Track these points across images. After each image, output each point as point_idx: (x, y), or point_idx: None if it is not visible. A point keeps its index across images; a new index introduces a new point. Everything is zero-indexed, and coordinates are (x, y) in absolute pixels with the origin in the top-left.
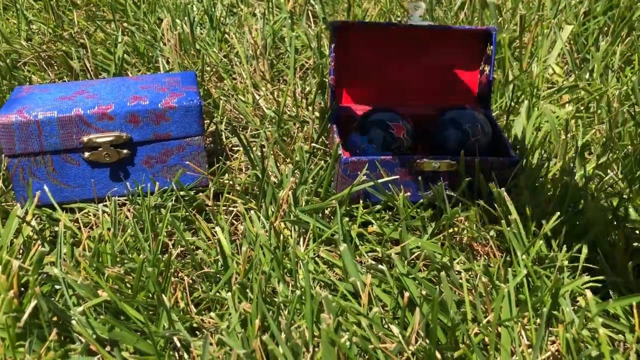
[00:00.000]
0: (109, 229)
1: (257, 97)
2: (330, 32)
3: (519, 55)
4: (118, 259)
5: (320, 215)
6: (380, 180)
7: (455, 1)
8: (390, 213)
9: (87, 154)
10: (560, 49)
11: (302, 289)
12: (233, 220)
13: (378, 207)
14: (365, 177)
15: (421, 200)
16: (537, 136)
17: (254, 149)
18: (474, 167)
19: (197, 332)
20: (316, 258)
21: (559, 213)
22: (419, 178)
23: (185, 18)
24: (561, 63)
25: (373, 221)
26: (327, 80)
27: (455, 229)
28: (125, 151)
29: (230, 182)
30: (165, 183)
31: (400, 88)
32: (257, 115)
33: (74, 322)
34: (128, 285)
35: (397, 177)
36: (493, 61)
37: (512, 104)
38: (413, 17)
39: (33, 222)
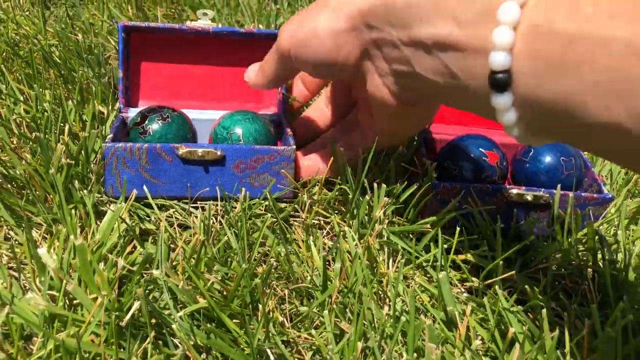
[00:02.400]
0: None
1: None
2: None
3: None
4: (215, 268)
5: (409, 237)
6: (474, 209)
7: None
8: (478, 241)
9: (181, 151)
10: None
11: (402, 314)
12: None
13: (470, 236)
14: (458, 204)
15: (510, 231)
16: (624, 175)
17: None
18: (566, 202)
19: (288, 347)
20: (409, 281)
21: None
22: (510, 209)
23: None
24: None
25: (462, 250)
26: None
27: (547, 264)
28: (219, 152)
29: (318, 197)
30: (252, 190)
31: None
32: None
33: (174, 326)
34: (223, 293)
35: (493, 206)
36: None
37: None
38: None
39: (128, 220)
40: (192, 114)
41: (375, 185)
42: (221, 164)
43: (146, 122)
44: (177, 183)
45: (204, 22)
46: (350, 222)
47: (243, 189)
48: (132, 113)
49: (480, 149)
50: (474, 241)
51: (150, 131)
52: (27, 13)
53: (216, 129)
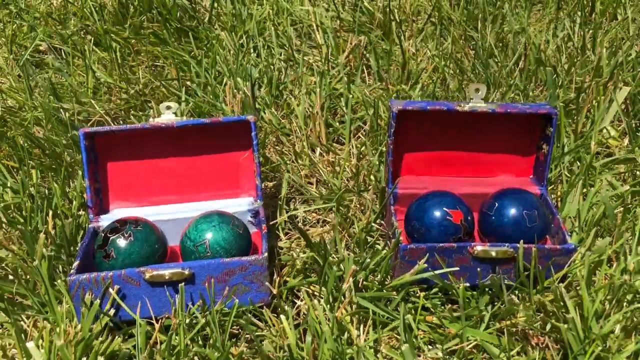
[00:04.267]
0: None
1: (314, 159)
2: (389, 117)
3: (574, 119)
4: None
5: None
6: (439, 271)
7: (508, 62)
8: (446, 297)
9: (148, 275)
10: (615, 111)
11: None
12: (294, 299)
13: (436, 290)
14: (425, 263)
15: (478, 286)
16: (592, 215)
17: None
18: (530, 255)
19: None
20: (378, 347)
21: (617, 315)
22: (476, 264)
23: (247, 83)
24: (617, 125)
25: (431, 307)
26: (385, 160)
27: (513, 320)
28: (187, 272)
29: (292, 263)
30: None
31: (456, 163)
32: (314, 175)
33: None
34: None
35: (457, 268)
36: (552, 142)
37: (566, 178)
38: (474, 100)
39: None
40: (168, 209)
41: (345, 254)
42: (190, 282)
43: (108, 244)
44: (147, 305)
45: (167, 117)
46: (321, 294)
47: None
48: (103, 221)
49: (445, 209)
50: (445, 299)
51: (113, 254)
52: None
53: (183, 241)
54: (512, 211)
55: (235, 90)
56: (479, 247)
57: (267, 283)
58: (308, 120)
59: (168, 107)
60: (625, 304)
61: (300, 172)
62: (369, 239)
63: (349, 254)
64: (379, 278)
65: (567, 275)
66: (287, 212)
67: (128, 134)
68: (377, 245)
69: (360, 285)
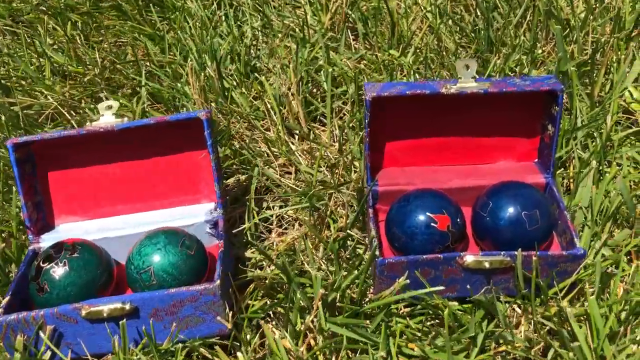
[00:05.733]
0: None
1: (292, 146)
2: (365, 107)
3: (591, 80)
4: None
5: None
6: (422, 291)
7: (512, 17)
8: (436, 313)
9: (85, 312)
10: (638, 71)
11: None
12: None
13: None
14: (407, 279)
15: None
16: (609, 202)
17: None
18: (531, 263)
19: None
20: None
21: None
22: (468, 276)
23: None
24: None
25: (416, 327)
26: (363, 154)
27: (509, 347)
28: (128, 306)
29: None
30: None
31: (446, 150)
32: (293, 163)
33: None
34: None
35: (441, 288)
36: (559, 121)
37: (578, 156)
38: (463, 78)
39: None
40: (119, 221)
41: (313, 274)
42: (135, 316)
43: (41, 276)
44: (88, 343)
45: (106, 119)
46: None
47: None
48: (45, 242)
49: (428, 214)
50: (430, 323)
51: (47, 287)
52: None
53: (127, 266)
54: (509, 212)
55: (198, 71)
56: (469, 258)
57: (218, 317)
58: (283, 99)
59: (109, 107)
60: None
61: (276, 161)
62: (349, 242)
63: (317, 272)
64: (357, 294)
65: (577, 283)
66: (257, 213)
67: (67, 139)
68: (359, 249)
69: (337, 303)
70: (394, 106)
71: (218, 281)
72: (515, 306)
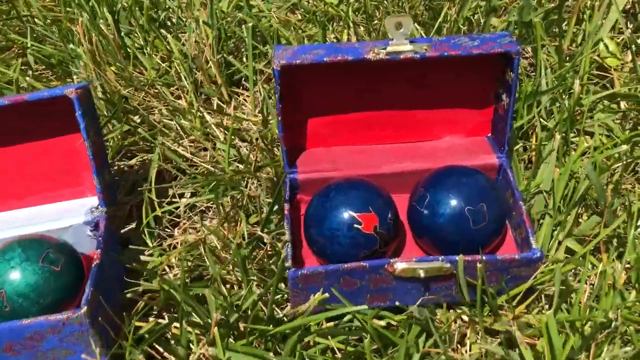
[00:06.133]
0: None
1: (208, 117)
2: (274, 77)
3: (559, 31)
4: None
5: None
6: (345, 310)
7: None
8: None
9: None
10: (615, 20)
11: None
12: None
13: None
14: (324, 291)
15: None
16: (574, 186)
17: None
18: (475, 269)
19: None
20: None
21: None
22: (401, 284)
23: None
24: (617, 38)
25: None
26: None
27: None
28: None
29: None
30: None
31: (380, 125)
32: (210, 139)
33: None
34: None
35: (364, 306)
36: (514, 90)
37: (542, 125)
38: (395, 40)
39: None
40: None
41: (207, 294)
42: None
43: None
44: None
45: None
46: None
47: None
48: None
49: (351, 212)
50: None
51: None
52: None
53: None
54: (450, 207)
55: (91, 27)
56: (400, 265)
57: (83, 355)
58: (197, 60)
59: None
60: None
61: (185, 138)
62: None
63: (213, 291)
64: (268, 314)
65: (535, 288)
66: (159, 205)
67: None
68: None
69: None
70: (312, 75)
71: (85, 308)
72: (463, 314)
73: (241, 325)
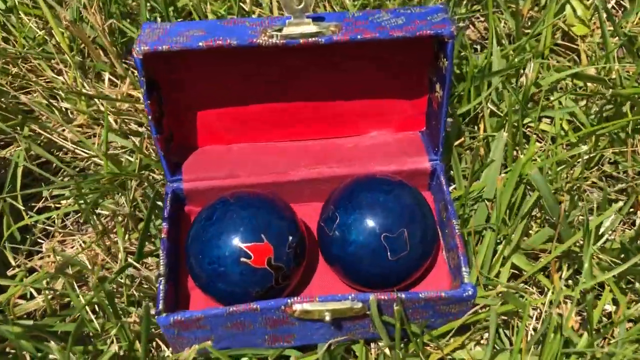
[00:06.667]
0: None
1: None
2: (137, 67)
3: None
4: None
5: None
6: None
7: None
8: None
9: None
10: None
11: None
12: None
13: None
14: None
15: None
16: (520, 195)
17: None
18: (391, 307)
19: None
20: None
21: None
22: (306, 325)
23: None
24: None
25: None
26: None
27: None
28: None
29: None
30: None
31: (289, 119)
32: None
33: None
34: None
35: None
36: (449, 81)
37: (489, 115)
38: (293, 19)
39: None
40: None
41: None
42: None
43: None
44: None
45: None
46: None
47: None
48: None
49: (239, 244)
50: None
51: None
52: None
53: None
54: (363, 233)
55: None
56: (298, 307)
57: None
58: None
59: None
60: None
61: (66, 125)
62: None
63: (59, 349)
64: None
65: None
66: (25, 213)
67: None
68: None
69: None
70: (195, 59)
71: None
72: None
73: None
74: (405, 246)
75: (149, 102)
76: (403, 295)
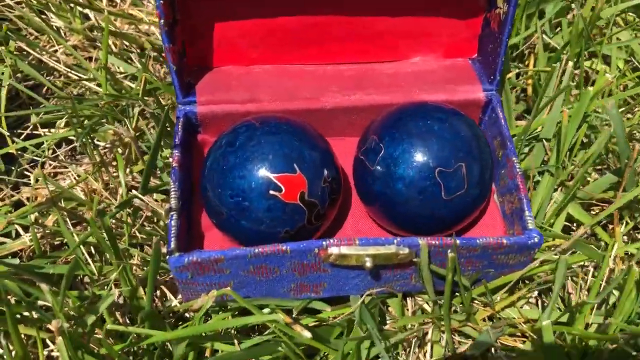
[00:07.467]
0: None
1: (91, 15)
2: None
3: None
4: None
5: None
6: (249, 319)
7: None
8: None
9: None
10: None
11: None
12: None
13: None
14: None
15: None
16: (584, 134)
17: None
18: (444, 254)
19: None
20: None
21: None
22: (340, 272)
23: None
24: None
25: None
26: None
27: None
28: None
29: None
30: None
31: (325, 36)
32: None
33: None
34: None
35: (278, 318)
36: None
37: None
38: None
39: None
40: None
41: (44, 289)
42: None
43: None
44: None
45: None
46: None
47: None
48: None
49: (267, 174)
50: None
51: None
52: None
53: None
54: (414, 166)
55: None
56: (336, 250)
57: None
58: None
59: None
60: None
61: (57, 45)
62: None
63: (50, 293)
64: (146, 311)
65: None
66: (11, 140)
67: None
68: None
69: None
70: None
71: None
72: (424, 304)
73: (99, 332)
74: (463, 184)
75: (161, 1)
76: (458, 242)
